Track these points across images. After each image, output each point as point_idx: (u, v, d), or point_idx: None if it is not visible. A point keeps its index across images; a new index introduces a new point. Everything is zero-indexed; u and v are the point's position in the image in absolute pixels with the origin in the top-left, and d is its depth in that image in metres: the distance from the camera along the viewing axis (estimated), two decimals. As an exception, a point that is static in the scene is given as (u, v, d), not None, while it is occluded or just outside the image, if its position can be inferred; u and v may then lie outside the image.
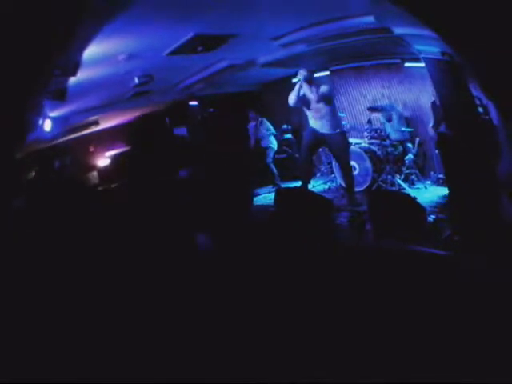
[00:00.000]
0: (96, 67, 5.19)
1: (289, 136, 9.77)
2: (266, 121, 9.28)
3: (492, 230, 3.75)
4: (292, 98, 6.70)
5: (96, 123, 8.25)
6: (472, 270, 2.03)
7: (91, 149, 9.42)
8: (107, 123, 8.86)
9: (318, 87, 6.58)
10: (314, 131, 6.84)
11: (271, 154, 9.13)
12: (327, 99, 6.59)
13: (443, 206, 6.15)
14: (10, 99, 3.79)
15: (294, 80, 6.63)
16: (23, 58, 3.42)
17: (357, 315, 2.15)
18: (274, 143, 9.16)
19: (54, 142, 6.56)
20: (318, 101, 6.57)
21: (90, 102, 6.84)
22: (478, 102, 5.04)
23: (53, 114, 5.84)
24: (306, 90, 6.58)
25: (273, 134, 9.23)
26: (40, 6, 2.84)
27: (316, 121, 6.77)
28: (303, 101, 6.71)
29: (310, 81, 6.59)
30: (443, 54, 4.89)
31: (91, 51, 4.37)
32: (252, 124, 9.44)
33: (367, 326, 2.08)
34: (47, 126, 5.58)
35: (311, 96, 6.57)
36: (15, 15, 3.01)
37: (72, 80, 4.87)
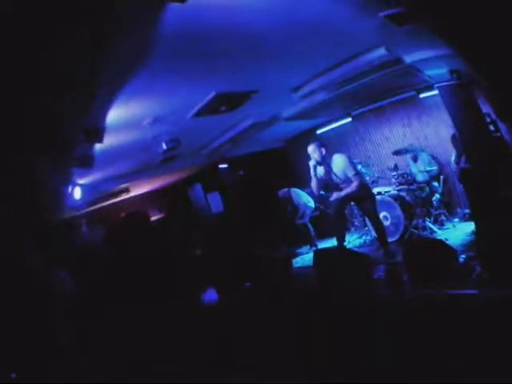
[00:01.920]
0: (122, 133, 5.29)
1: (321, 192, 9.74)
2: (294, 190, 9.19)
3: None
4: (315, 187, 6.62)
5: (127, 191, 8.35)
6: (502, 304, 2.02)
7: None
8: (138, 190, 8.98)
9: (332, 161, 6.50)
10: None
11: (308, 213, 9.03)
12: (345, 171, 6.46)
13: (472, 243, 5.99)
14: (37, 167, 3.85)
15: (310, 163, 6.55)
16: (47, 122, 3.48)
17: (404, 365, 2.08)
18: (311, 202, 9.07)
19: (85, 210, 6.63)
20: (337, 175, 6.48)
21: (118, 168, 6.95)
22: (488, 120, 5.00)
23: (82, 182, 5.93)
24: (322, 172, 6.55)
25: (305, 195, 9.12)
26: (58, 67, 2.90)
27: (342, 184, 6.65)
28: (326, 181, 6.67)
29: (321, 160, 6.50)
30: (452, 72, 4.89)
31: (115, 115, 4.46)
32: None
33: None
34: (77, 193, 5.64)
35: (330, 176, 6.51)
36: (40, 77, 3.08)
37: (99, 147, 4.94)
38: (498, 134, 5.00)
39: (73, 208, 5.87)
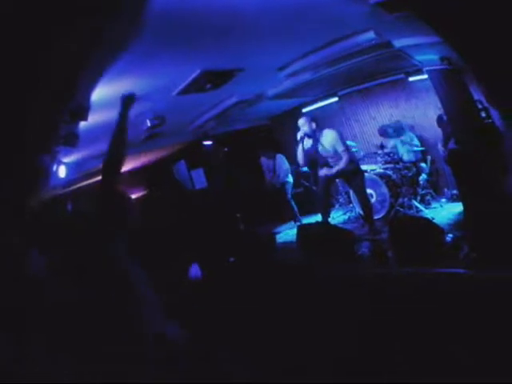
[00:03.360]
0: (106, 111, 5.24)
1: (305, 169, 9.76)
2: (281, 156, 9.24)
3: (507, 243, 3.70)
4: (301, 159, 6.66)
5: (111, 168, 8.29)
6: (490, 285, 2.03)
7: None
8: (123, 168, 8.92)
9: (322, 136, 6.55)
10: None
11: (290, 190, 9.09)
12: (335, 146, 6.49)
13: (460, 223, 6.11)
14: (22, 146, 3.82)
15: (299, 135, 6.56)
16: (32, 102, 3.45)
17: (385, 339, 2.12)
18: (290, 178, 9.14)
19: (69, 188, 6.59)
20: (326, 150, 6.52)
21: (103, 146, 6.86)
22: (480, 106, 5.03)
23: (66, 160, 5.89)
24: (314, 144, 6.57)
25: (288, 169, 9.18)
26: (41, 50, 2.87)
27: (330, 160, 6.70)
28: (313, 155, 6.69)
29: (311, 133, 6.53)
30: (442, 59, 4.90)
31: (99, 94, 4.42)
32: (264, 159, 9.44)
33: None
34: (61, 172, 5.62)
35: (320, 150, 6.55)
36: (23, 57, 3.04)
37: (83, 125, 4.90)
38: (490, 121, 5.02)
39: (58, 186, 5.83)
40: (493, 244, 3.84)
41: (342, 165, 6.42)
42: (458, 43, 2.54)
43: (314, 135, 6.41)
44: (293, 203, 9.06)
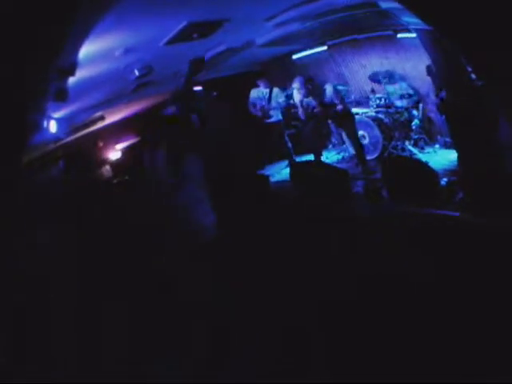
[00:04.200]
0: (94, 65, 5.22)
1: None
2: (278, 90, 8.99)
3: (499, 189, 3.78)
4: (302, 114, 7.14)
5: (102, 118, 8.29)
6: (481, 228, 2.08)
7: (100, 144, 9.50)
8: (114, 117, 8.91)
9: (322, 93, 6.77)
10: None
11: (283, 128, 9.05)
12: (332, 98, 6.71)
13: (454, 169, 6.17)
14: (11, 102, 3.85)
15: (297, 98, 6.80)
16: (21, 60, 3.47)
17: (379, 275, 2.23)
18: (280, 116, 9.04)
19: (62, 142, 6.63)
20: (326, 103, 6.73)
21: (92, 99, 6.88)
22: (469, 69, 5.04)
23: (57, 115, 5.90)
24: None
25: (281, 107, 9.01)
26: (32, 7, 2.88)
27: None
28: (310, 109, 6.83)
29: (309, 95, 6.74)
30: None
31: (87, 50, 4.40)
32: (260, 88, 9.15)
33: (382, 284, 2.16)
34: (52, 127, 5.64)
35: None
36: (12, 17, 3.05)
37: (72, 80, 4.90)
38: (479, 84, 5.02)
39: (49, 141, 5.88)
40: (486, 190, 3.94)
41: (335, 110, 6.67)
42: (449, 33, 2.56)
43: (313, 93, 6.61)
44: (288, 142, 9.07)
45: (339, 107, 6.81)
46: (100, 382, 2.16)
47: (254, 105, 9.00)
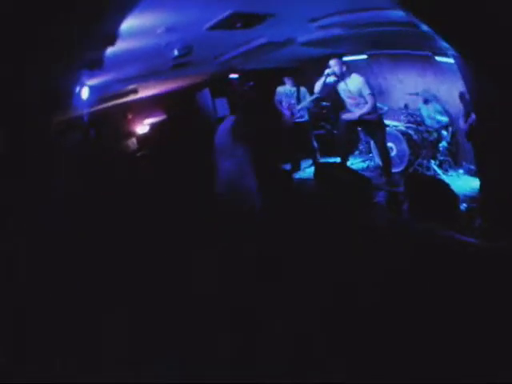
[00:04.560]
0: (134, 39, 5.27)
1: (326, 104, 9.66)
2: (305, 90, 8.87)
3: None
4: (318, 86, 6.87)
5: (135, 92, 8.37)
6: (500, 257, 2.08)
7: (130, 116, 9.60)
8: (146, 92, 8.97)
9: (349, 78, 6.70)
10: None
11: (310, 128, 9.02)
12: (361, 90, 6.62)
13: (475, 196, 6.13)
14: (45, 66, 3.92)
15: (327, 72, 6.63)
16: (59, 26, 3.52)
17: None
18: (307, 116, 8.98)
19: (92, 110, 6.71)
20: (351, 93, 6.63)
21: (128, 72, 6.94)
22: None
23: (90, 83, 5.97)
24: (337, 82, 6.77)
25: (307, 107, 8.93)
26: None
27: (352, 107, 6.83)
28: (332, 90, 6.77)
29: (339, 75, 6.66)
30: None
31: (129, 24, 4.45)
32: (286, 86, 9.02)
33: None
34: (84, 93, 5.72)
35: (344, 88, 6.66)
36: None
37: (110, 50, 4.96)
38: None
39: (80, 107, 5.96)
40: (505, 219, 3.91)
41: (365, 109, 6.63)
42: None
43: (342, 76, 6.55)
44: (314, 142, 9.03)
45: (372, 116, 6.76)
46: (100, 382, 2.20)
47: (281, 102, 8.94)
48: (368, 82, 6.68)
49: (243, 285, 2.84)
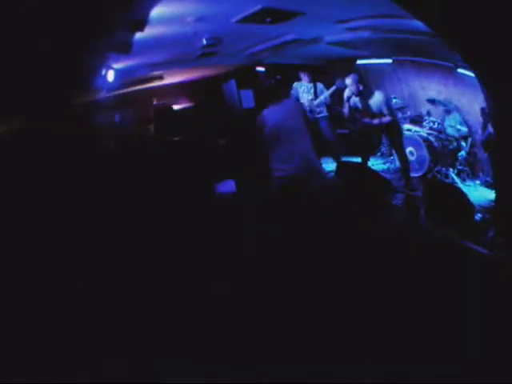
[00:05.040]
0: (164, 26, 5.33)
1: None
2: (322, 86, 8.84)
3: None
4: (347, 111, 7.15)
5: (160, 78, 8.44)
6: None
7: (154, 102, 9.66)
8: (171, 79, 9.04)
9: (369, 96, 6.80)
10: None
11: (324, 124, 8.91)
12: (381, 107, 6.73)
13: (490, 208, 6.11)
14: (74, 46, 4.00)
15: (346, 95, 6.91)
16: (90, 9, 3.59)
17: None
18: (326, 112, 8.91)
19: (117, 93, 6.79)
20: (371, 108, 6.73)
21: (155, 57, 7.02)
22: None
23: (117, 66, 6.06)
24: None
25: (326, 103, 8.84)
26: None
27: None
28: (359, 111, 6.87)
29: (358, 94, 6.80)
30: None
31: (160, 11, 4.52)
32: (303, 83, 8.98)
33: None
34: (110, 76, 5.81)
35: (362, 102, 6.79)
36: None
37: (138, 35, 5.02)
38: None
39: (106, 89, 6.05)
40: None
41: (383, 120, 6.67)
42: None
43: (362, 94, 6.60)
44: (337, 140, 9.05)
45: (387, 118, 6.79)
46: (100, 382, 2.24)
47: (298, 98, 8.90)
48: (388, 100, 6.94)
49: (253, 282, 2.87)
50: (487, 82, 3.06)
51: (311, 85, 8.80)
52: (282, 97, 5.15)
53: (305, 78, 8.91)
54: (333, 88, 8.18)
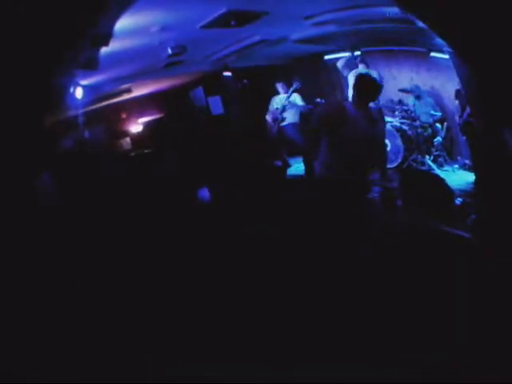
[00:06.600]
0: (128, 38, 5.27)
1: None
2: (297, 95, 8.73)
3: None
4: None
5: (129, 91, 8.36)
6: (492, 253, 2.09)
7: (124, 115, 9.56)
8: (140, 91, 8.96)
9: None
10: None
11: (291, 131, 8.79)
12: None
13: (470, 191, 6.15)
14: (40, 66, 3.90)
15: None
16: (54, 26, 3.51)
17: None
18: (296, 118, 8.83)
19: (86, 109, 6.70)
20: None
21: (122, 71, 6.94)
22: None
23: (84, 83, 5.97)
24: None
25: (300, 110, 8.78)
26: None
27: None
28: None
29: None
30: None
31: (124, 23, 4.45)
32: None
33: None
34: (78, 93, 5.72)
35: None
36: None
37: (104, 50, 4.95)
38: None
39: (74, 107, 5.96)
40: (500, 214, 3.92)
41: None
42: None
43: None
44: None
45: None
46: (100, 382, 2.19)
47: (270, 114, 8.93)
48: None
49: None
50: (466, 62, 3.07)
51: (285, 96, 8.79)
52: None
53: (282, 89, 8.90)
54: (291, 89, 8.20)
